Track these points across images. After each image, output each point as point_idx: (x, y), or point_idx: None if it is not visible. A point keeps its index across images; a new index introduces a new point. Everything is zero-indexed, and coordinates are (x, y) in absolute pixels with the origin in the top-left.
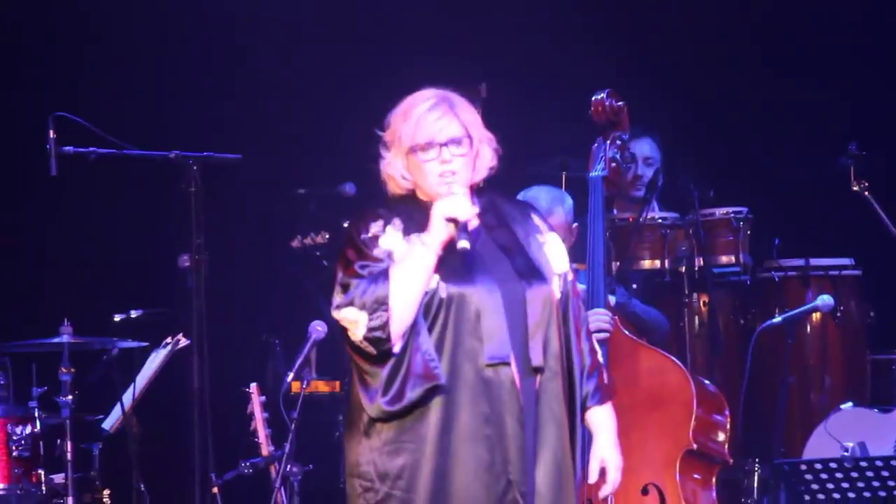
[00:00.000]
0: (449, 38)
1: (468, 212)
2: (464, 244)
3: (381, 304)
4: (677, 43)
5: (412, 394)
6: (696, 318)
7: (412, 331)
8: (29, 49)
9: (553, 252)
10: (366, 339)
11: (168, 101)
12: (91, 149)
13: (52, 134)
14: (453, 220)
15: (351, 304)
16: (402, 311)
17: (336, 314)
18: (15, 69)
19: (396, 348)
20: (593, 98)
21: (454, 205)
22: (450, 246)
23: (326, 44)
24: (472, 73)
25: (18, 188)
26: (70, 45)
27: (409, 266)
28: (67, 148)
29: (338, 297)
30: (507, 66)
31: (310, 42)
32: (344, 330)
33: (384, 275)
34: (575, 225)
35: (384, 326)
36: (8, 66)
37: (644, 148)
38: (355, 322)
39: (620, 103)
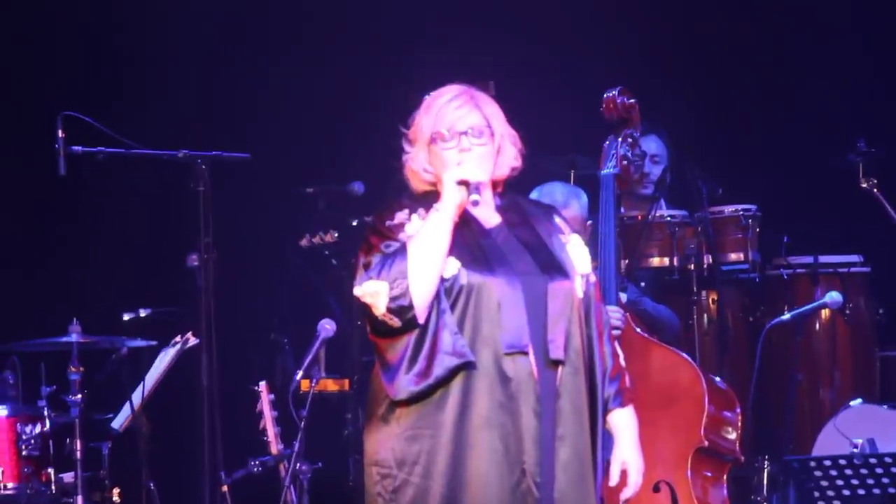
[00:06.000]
0: (457, 36)
1: (478, 175)
2: (475, 197)
3: (401, 272)
4: (685, 40)
5: (440, 370)
6: (705, 315)
7: (437, 308)
8: (37, 48)
9: (576, 253)
10: (389, 310)
11: (177, 100)
12: (100, 148)
13: (60, 133)
14: (464, 183)
15: (371, 277)
16: (422, 277)
17: (358, 290)
18: (24, 68)
19: (421, 319)
20: (605, 95)
21: (464, 168)
22: (473, 238)
23: (335, 43)
24: (480, 71)
25: (27, 188)
26: (79, 44)
27: (425, 234)
28: (76, 147)
29: (359, 275)
30: (515, 64)
31: (318, 41)
32: (367, 308)
33: (403, 248)
34: (589, 223)
35: (405, 294)
36: (17, 65)
37: (651, 145)
38: (376, 293)
39: (632, 100)
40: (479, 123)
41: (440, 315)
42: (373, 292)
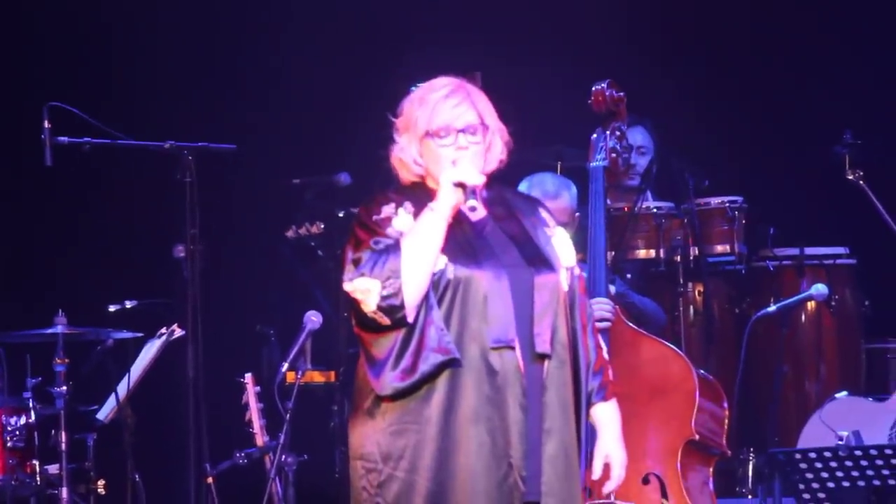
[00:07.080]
0: (444, 26)
1: (475, 177)
2: (472, 203)
3: (394, 271)
4: (672, 32)
5: (425, 367)
6: (691, 307)
7: (425, 304)
8: (24, 39)
9: (561, 246)
10: (379, 308)
11: (163, 91)
12: (86, 139)
13: (46, 124)
14: (461, 185)
15: (363, 274)
16: (414, 278)
17: (348, 286)
18: (10, 59)
19: (411, 318)
20: (594, 88)
21: (462, 171)
22: (459, 232)
23: (321, 34)
24: (467, 62)
25: (13, 178)
26: (65, 35)
27: (419, 233)
28: (62, 138)
29: (349, 271)
30: (501, 55)
31: (304, 32)
32: (356, 303)
33: (395, 245)
34: (577, 214)
35: (398, 293)
36: (3, 56)
37: (637, 137)
38: (367, 291)
39: (620, 94)
40: (474, 121)
41: (428, 311)
42: (364, 289)
